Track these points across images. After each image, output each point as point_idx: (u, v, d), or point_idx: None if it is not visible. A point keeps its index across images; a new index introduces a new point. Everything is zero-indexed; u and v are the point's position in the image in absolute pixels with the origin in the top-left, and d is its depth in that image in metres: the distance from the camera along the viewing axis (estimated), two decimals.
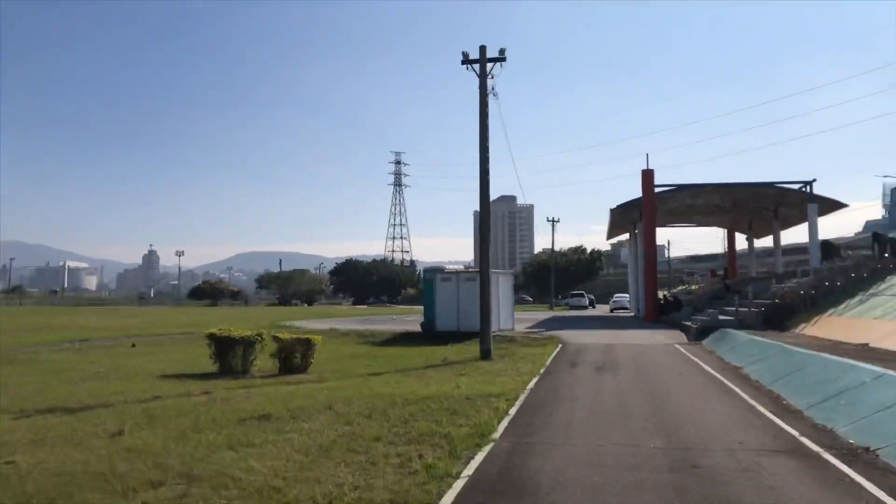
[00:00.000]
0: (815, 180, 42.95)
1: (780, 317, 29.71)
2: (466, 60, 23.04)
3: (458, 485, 7.56)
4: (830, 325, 24.85)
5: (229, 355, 18.52)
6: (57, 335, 33.40)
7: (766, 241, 64.09)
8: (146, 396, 14.17)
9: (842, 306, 26.64)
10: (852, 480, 7.70)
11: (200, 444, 9.49)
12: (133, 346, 27.83)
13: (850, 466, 8.21)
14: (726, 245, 70.23)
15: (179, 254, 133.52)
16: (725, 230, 68.68)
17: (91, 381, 17.22)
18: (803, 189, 43.73)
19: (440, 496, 7.12)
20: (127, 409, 12.52)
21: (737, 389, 14.92)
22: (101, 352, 25.59)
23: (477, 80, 23.05)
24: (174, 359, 22.81)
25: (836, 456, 8.75)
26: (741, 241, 66.21)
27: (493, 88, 23.17)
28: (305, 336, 19.73)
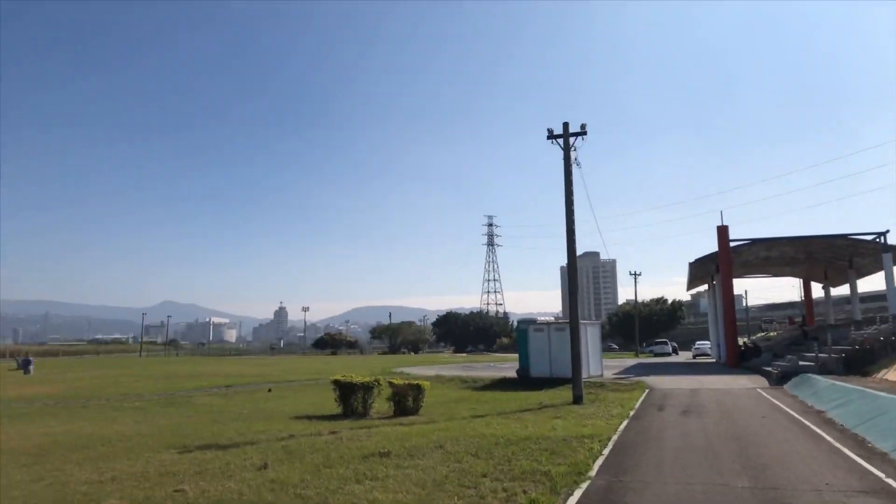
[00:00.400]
0: (888, 231, 40.44)
1: (860, 362, 27.76)
2: (551, 136, 23.32)
3: None
4: None
5: (351, 399, 18.96)
6: (207, 381, 35.04)
7: (842, 290, 60.24)
8: (283, 435, 14.69)
9: None
10: None
11: (332, 478, 9.78)
12: (269, 391, 28.83)
13: None
14: (803, 294, 66.41)
15: (305, 309, 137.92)
16: (801, 280, 65.09)
17: (237, 421, 18.01)
18: (877, 240, 41.18)
19: None
20: (268, 446, 13.03)
21: (821, 432, 14.05)
22: (244, 396, 26.67)
23: (561, 152, 23.28)
24: (304, 402, 23.50)
25: None
26: (817, 290, 62.54)
27: (575, 159, 23.28)
28: (416, 382, 19.96)
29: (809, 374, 25.38)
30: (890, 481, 9.16)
